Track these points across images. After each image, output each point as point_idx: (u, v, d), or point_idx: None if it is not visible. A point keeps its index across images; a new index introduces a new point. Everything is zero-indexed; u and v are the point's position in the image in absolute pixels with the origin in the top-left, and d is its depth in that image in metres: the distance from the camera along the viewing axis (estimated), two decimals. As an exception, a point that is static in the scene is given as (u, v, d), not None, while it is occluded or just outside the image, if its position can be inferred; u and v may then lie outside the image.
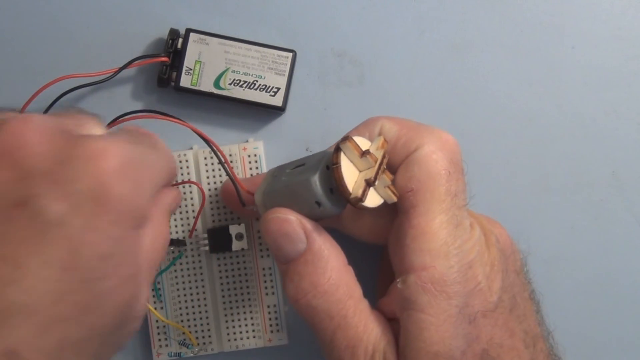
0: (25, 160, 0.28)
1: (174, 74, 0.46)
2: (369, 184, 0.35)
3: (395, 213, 0.38)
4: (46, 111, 0.44)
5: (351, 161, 0.36)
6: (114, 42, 0.47)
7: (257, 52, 0.45)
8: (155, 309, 0.45)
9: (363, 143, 0.36)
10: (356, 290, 0.37)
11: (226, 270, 0.46)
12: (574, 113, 0.47)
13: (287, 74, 0.45)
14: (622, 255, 0.47)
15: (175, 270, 0.45)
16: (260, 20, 0.47)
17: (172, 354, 0.45)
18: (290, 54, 0.46)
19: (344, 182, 0.35)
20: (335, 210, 0.37)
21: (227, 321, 0.46)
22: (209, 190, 0.46)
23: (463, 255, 0.36)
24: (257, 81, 0.45)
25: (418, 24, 0.47)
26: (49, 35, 0.47)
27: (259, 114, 0.46)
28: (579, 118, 0.47)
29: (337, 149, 0.35)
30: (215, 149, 0.41)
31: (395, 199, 0.37)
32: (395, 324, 0.37)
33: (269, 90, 0.45)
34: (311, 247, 0.37)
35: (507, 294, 0.37)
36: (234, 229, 0.45)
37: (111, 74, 0.45)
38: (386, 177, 0.36)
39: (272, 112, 0.46)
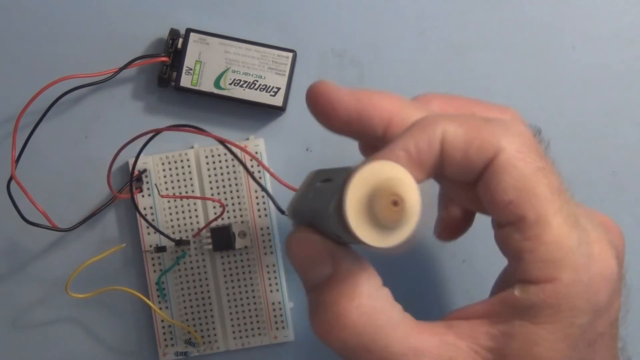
0: None
1: (174, 73, 0.46)
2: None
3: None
4: (46, 112, 0.44)
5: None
6: (114, 42, 0.47)
7: (257, 52, 0.45)
8: (160, 309, 0.46)
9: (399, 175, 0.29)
10: (393, 313, 0.32)
11: (230, 269, 0.46)
12: (574, 113, 0.47)
13: (287, 74, 0.45)
14: (622, 255, 0.47)
15: (179, 270, 0.46)
16: (260, 20, 0.47)
17: (178, 353, 0.46)
18: (290, 54, 0.46)
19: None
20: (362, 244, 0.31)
21: (232, 319, 0.46)
22: (211, 189, 0.46)
23: (591, 264, 0.31)
24: (257, 81, 0.45)
25: (418, 24, 0.47)
26: (49, 35, 0.47)
27: (259, 114, 0.46)
28: (579, 118, 0.47)
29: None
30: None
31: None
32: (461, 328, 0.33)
33: (269, 90, 0.45)
34: (337, 272, 0.32)
35: (620, 312, 0.34)
36: (236, 227, 0.45)
37: (111, 74, 0.45)
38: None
39: (272, 112, 0.46)
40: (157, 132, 0.40)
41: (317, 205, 0.32)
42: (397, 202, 0.28)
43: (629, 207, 0.47)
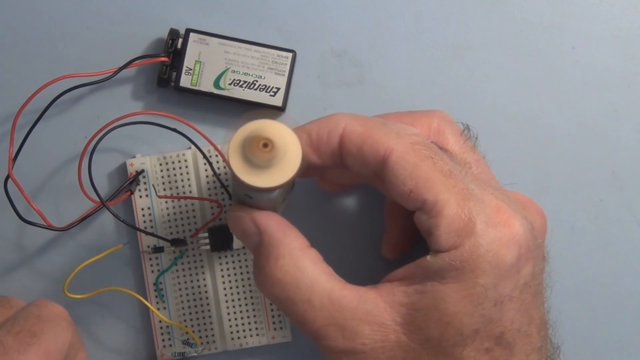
0: None
1: (174, 74, 0.46)
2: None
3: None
4: (44, 111, 0.44)
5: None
6: (114, 42, 0.47)
7: (257, 52, 0.45)
8: (158, 309, 0.45)
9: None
10: (317, 271, 0.37)
11: (227, 269, 0.46)
12: (574, 113, 0.47)
13: (287, 74, 0.45)
14: (622, 255, 0.47)
15: (177, 270, 0.46)
16: (260, 20, 0.47)
17: (176, 353, 0.45)
18: (290, 54, 0.46)
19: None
20: (265, 195, 0.36)
21: (230, 320, 0.46)
22: (208, 189, 0.46)
23: (489, 230, 0.36)
24: (257, 81, 0.45)
25: (418, 24, 0.47)
26: (49, 35, 0.47)
27: (259, 114, 0.46)
28: (579, 118, 0.47)
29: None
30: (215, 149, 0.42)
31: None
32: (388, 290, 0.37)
33: (269, 90, 0.45)
34: (263, 238, 0.38)
35: (535, 280, 0.37)
36: (234, 228, 0.45)
37: (111, 73, 0.45)
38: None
39: (272, 112, 0.46)
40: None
41: (232, 181, 0.38)
42: (267, 144, 0.33)
43: (629, 207, 0.47)
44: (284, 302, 0.37)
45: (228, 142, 0.34)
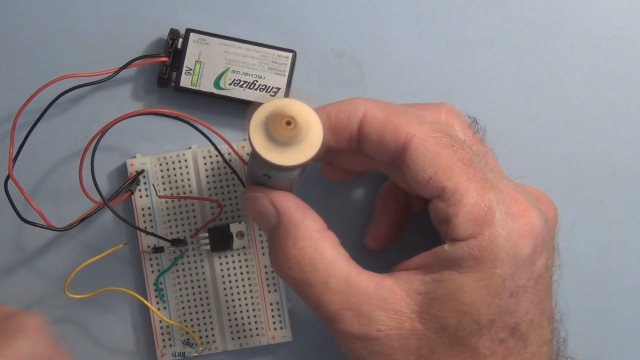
0: None
1: (174, 74, 0.46)
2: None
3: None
4: (44, 111, 0.44)
5: None
6: (114, 42, 0.47)
7: (257, 52, 0.45)
8: (158, 309, 0.45)
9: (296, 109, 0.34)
10: (334, 254, 0.37)
11: (228, 269, 0.46)
12: (574, 113, 0.47)
13: (287, 74, 0.45)
14: (622, 255, 0.47)
15: (177, 270, 0.46)
16: (260, 20, 0.47)
17: (176, 353, 0.45)
18: (290, 54, 0.46)
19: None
20: (285, 174, 0.37)
21: (230, 320, 0.46)
22: (209, 189, 0.46)
23: (508, 220, 0.36)
24: (257, 81, 0.45)
25: (418, 24, 0.47)
26: (48, 35, 0.47)
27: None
28: (579, 118, 0.47)
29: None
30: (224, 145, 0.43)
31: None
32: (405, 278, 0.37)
33: (269, 90, 0.45)
34: (281, 220, 0.38)
35: (548, 272, 0.37)
36: (234, 228, 0.45)
37: (111, 74, 0.45)
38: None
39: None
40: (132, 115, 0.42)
41: (251, 162, 0.38)
42: (289, 122, 0.34)
43: (629, 207, 0.47)
44: (300, 284, 0.37)
45: (249, 120, 0.34)
